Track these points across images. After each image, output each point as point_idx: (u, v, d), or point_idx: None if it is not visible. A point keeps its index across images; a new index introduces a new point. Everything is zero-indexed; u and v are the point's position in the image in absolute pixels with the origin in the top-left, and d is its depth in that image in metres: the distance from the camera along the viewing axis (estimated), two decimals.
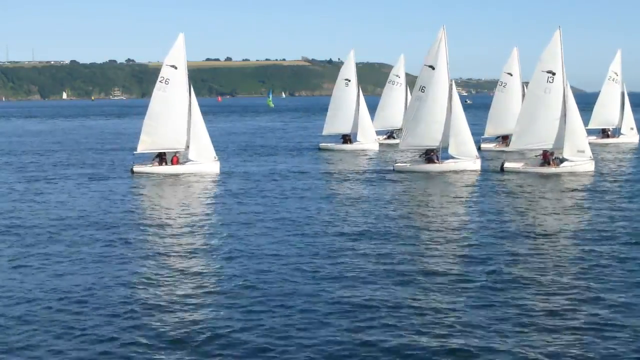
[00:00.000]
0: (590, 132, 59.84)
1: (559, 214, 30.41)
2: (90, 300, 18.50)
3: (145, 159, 46.43)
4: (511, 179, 41.59)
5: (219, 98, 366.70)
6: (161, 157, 45.68)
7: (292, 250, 23.92)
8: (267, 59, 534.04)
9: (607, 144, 63.66)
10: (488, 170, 45.31)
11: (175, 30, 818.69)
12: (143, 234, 26.66)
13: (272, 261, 22.31)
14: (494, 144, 60.46)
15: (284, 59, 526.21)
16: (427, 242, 24.86)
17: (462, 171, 44.20)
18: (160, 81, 45.90)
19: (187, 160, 45.12)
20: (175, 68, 45.72)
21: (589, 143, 53.21)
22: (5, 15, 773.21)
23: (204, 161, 44.95)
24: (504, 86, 59.48)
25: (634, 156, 55.64)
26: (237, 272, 21.02)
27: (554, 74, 44.15)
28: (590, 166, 43.71)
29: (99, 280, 20.31)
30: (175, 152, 45.65)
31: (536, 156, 45.81)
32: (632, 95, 60.14)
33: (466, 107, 48.74)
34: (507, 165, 45.02)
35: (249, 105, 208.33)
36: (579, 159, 43.51)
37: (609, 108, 63.74)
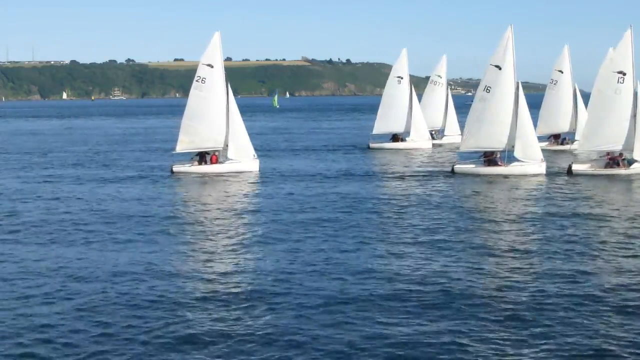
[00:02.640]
0: None
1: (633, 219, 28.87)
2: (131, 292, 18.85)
3: (183, 158, 46.31)
4: (580, 182, 40.13)
5: None
6: (201, 157, 45.24)
7: (334, 253, 22.99)
8: (267, 59, 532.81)
9: None
10: (554, 173, 43.68)
11: (172, 29, 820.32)
12: (182, 233, 26.58)
13: (311, 262, 21.88)
14: (546, 143, 58.54)
15: (283, 59, 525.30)
16: (501, 256, 22.92)
17: (528, 174, 42.53)
18: (197, 80, 45.63)
19: (226, 159, 44.84)
20: (212, 67, 45.50)
21: None
22: (5, 15, 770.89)
23: (244, 159, 44.64)
24: (554, 84, 57.44)
25: None
26: (273, 273, 20.52)
27: (624, 74, 42.67)
28: None
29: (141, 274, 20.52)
30: (215, 151, 45.18)
31: (601, 157, 44.07)
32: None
33: None
34: (575, 167, 43.42)
35: (250, 105, 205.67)
36: None
37: None
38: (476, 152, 44.82)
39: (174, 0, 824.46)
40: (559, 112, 55.27)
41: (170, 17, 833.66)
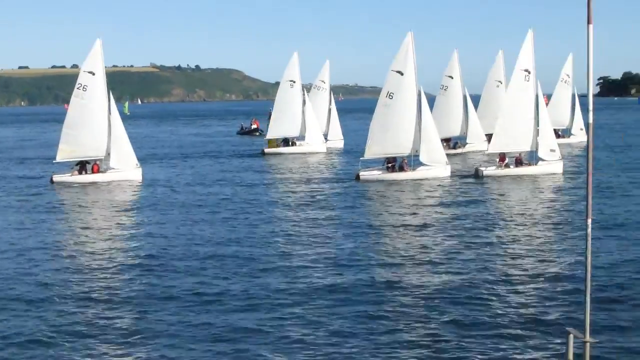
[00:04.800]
0: None
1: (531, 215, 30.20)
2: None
3: (64, 167, 45.41)
4: (487, 183, 40.83)
5: (66, 105, 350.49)
6: (81, 166, 44.32)
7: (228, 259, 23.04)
8: (114, 65, 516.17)
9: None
10: (460, 176, 44.17)
11: (16, 36, 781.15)
12: (60, 244, 26.19)
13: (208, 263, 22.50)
14: None
15: (131, 65, 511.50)
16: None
17: (434, 178, 42.60)
18: (78, 88, 44.54)
19: (108, 168, 43.97)
20: (93, 74, 44.53)
21: None
22: None
23: (126, 168, 43.82)
24: (445, 89, 57.99)
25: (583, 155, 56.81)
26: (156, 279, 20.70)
27: (529, 72, 43.55)
28: (559, 166, 43.78)
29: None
30: (96, 160, 44.25)
31: (510, 157, 44.88)
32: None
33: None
34: (483, 170, 44.12)
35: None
36: (551, 159, 43.41)
37: (561, 109, 64.08)
38: (379, 158, 44.45)
39: (14, 6, 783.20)
40: (450, 117, 55.95)
41: (14, 23, 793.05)
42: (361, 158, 44.63)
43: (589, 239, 10.53)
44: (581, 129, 65.67)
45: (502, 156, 44.53)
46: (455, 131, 56.93)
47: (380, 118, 43.98)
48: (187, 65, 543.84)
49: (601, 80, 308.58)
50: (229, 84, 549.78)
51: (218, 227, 28.53)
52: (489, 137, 58.59)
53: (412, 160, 43.54)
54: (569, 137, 66.37)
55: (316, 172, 48.84)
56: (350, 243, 25.24)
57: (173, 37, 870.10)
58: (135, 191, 40.09)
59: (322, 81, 67.35)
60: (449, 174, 43.12)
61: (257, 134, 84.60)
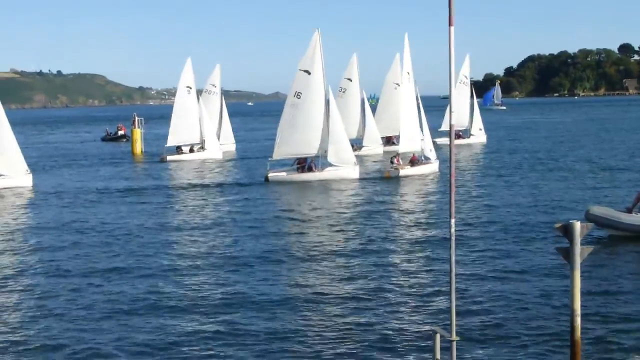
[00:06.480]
0: (441, 134, 61.41)
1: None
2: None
3: None
4: (393, 184, 41.17)
5: None
6: None
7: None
8: None
9: (459, 145, 64.48)
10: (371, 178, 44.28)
11: None
12: None
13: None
14: None
15: None
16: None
17: (342, 179, 42.33)
18: None
19: None
20: None
21: (442, 144, 56.37)
22: None
23: (16, 174, 41.86)
24: (344, 92, 58.00)
25: (482, 154, 58.56)
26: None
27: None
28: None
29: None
30: None
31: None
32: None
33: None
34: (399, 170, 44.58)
35: None
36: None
37: (460, 110, 65.06)
38: (288, 159, 43.93)
39: None
40: (348, 120, 55.52)
41: None
42: (269, 159, 43.80)
43: (453, 238, 10.75)
44: (480, 129, 67.68)
45: (397, 157, 45.06)
46: (352, 134, 56.95)
47: (288, 118, 43.30)
48: (49, 70, 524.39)
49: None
50: (92, 89, 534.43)
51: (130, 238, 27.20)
52: (387, 139, 59.40)
53: (320, 161, 43.19)
54: (469, 137, 67.87)
55: (222, 176, 47.60)
56: (255, 243, 25.11)
57: (33, 41, 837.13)
58: (26, 198, 38.14)
59: (213, 85, 65.73)
60: (357, 175, 42.93)
61: (125, 140, 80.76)
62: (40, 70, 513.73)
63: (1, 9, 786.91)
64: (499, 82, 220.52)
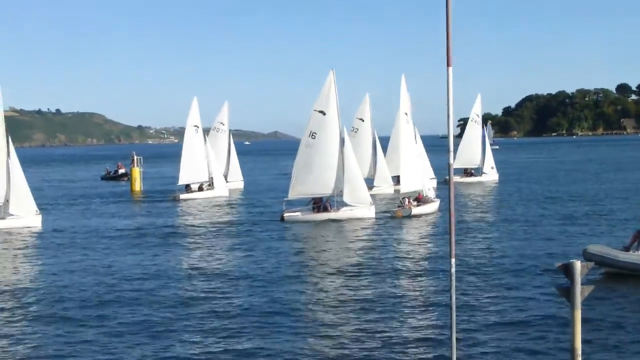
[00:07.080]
0: (454, 172, 60.28)
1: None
2: None
3: None
4: (405, 224, 40.92)
5: None
6: None
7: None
8: None
9: (470, 183, 65.56)
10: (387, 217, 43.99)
11: None
12: None
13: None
14: None
15: None
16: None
17: (358, 218, 42.23)
18: None
19: (7, 215, 41.70)
20: None
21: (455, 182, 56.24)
22: None
23: (26, 215, 42.00)
24: (356, 132, 58.18)
25: (491, 192, 58.77)
26: None
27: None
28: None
29: None
30: None
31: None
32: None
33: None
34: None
35: None
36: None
37: (472, 148, 65.03)
38: (304, 198, 43.87)
39: None
40: (360, 159, 55.37)
41: None
42: (285, 198, 43.75)
43: (453, 278, 10.96)
44: (492, 167, 67.78)
45: (408, 198, 44.90)
46: (363, 174, 57.01)
47: (303, 158, 43.42)
48: (48, 109, 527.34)
49: (461, 122, 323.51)
50: (91, 127, 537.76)
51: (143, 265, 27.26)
52: (398, 179, 59.24)
53: (335, 201, 43.07)
54: (480, 175, 67.90)
55: (237, 214, 47.57)
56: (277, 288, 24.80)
57: (33, 80, 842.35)
58: (33, 238, 37.95)
59: (222, 123, 66.25)
60: (373, 214, 42.80)
61: (125, 178, 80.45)
62: (39, 109, 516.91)
63: (0, 48, 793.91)
64: (490, 122, 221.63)
